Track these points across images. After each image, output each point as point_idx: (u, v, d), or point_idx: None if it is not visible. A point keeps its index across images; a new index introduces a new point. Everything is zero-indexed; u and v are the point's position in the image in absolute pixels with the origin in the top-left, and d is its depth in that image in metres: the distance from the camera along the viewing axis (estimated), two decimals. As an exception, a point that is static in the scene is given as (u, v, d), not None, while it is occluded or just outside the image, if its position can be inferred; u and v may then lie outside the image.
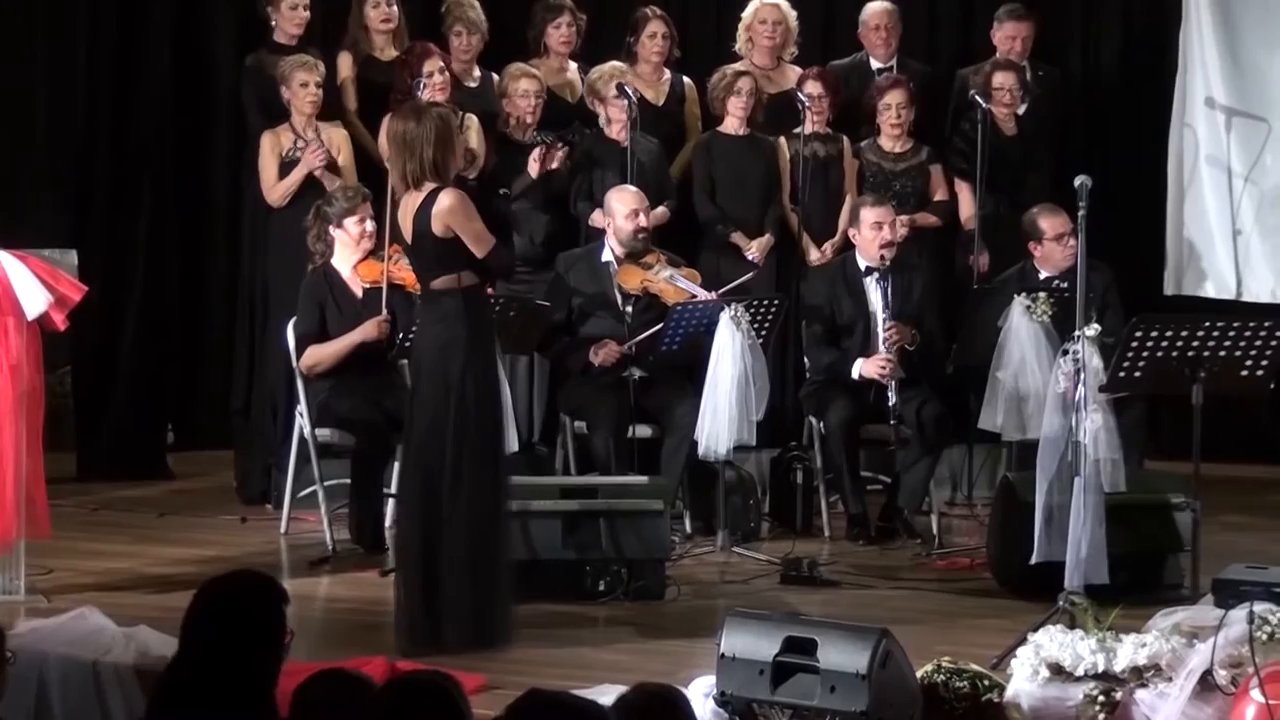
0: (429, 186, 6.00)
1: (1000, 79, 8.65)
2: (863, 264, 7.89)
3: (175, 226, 8.99)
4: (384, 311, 7.40)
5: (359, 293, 7.53)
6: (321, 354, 7.42)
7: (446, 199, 5.97)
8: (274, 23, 8.35)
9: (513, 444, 6.84)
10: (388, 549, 7.15)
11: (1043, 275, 7.92)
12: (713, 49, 9.10)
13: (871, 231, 7.85)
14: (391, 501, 7.30)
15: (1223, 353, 6.36)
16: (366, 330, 7.39)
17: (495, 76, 8.52)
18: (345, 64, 8.49)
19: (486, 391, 6.12)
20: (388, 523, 7.37)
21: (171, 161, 8.95)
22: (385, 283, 7.40)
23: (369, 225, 7.51)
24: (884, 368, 7.63)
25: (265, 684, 3.83)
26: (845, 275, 7.93)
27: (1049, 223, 7.91)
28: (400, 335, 7.36)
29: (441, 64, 8.14)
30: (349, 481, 7.42)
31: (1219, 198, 9.06)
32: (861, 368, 7.71)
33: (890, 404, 7.56)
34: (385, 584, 6.62)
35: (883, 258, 7.77)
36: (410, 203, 6.07)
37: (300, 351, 7.46)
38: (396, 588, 6.14)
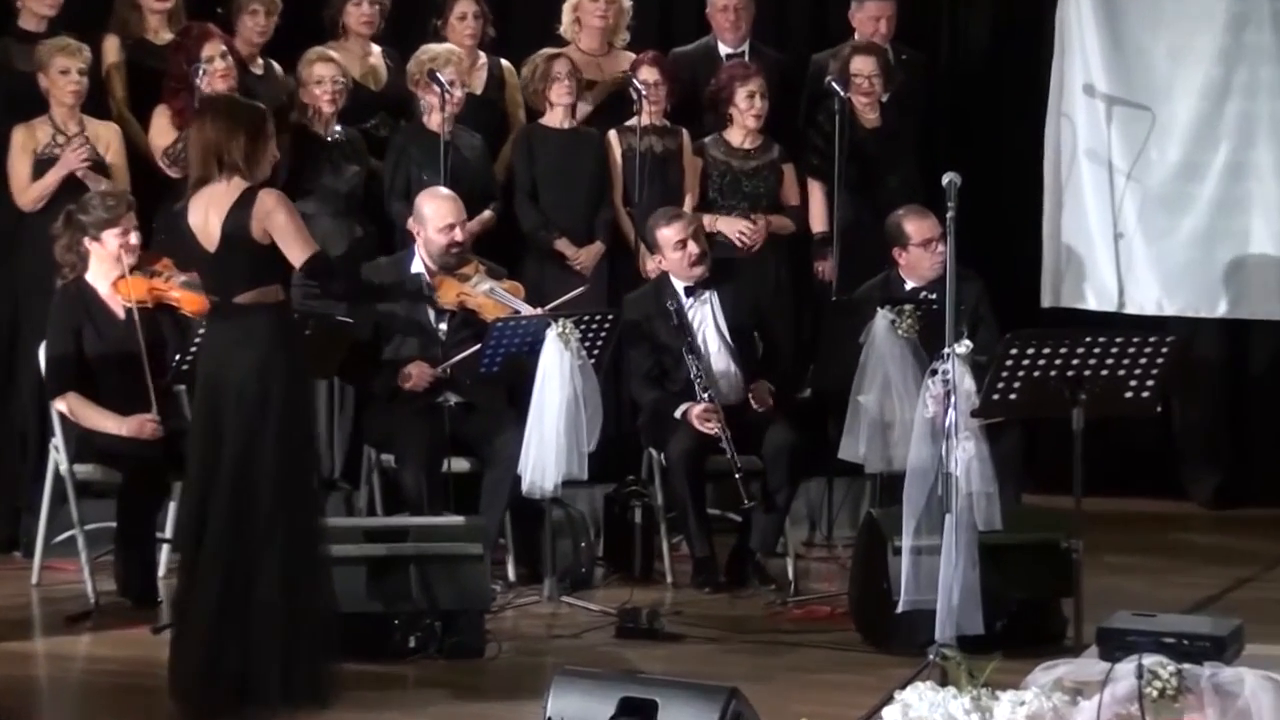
0: (239, 186, 5.90)
1: (859, 64, 8.73)
2: (680, 286, 7.90)
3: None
4: (141, 340, 7.25)
5: (120, 313, 7.42)
6: (83, 414, 7.30)
7: (269, 200, 5.89)
8: (20, 4, 8.26)
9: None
10: (161, 601, 7.12)
11: (908, 286, 8.02)
12: (538, 32, 9.06)
13: (676, 252, 7.88)
14: (166, 548, 7.27)
15: (1105, 372, 6.38)
16: (133, 428, 7.23)
17: (277, 65, 8.50)
18: (112, 48, 8.41)
19: (307, 422, 6.16)
20: (161, 572, 7.32)
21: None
22: (135, 305, 7.25)
23: (133, 238, 7.41)
24: (709, 420, 7.59)
25: None
26: (659, 302, 7.87)
27: (915, 226, 7.97)
28: (176, 358, 7.28)
29: (224, 48, 8.20)
30: (114, 525, 7.29)
31: (1099, 197, 9.22)
32: (687, 414, 7.67)
33: (729, 456, 7.52)
34: (159, 642, 6.50)
35: (699, 274, 7.78)
36: (213, 205, 5.92)
37: (54, 377, 7.37)
38: (172, 646, 6.01)
